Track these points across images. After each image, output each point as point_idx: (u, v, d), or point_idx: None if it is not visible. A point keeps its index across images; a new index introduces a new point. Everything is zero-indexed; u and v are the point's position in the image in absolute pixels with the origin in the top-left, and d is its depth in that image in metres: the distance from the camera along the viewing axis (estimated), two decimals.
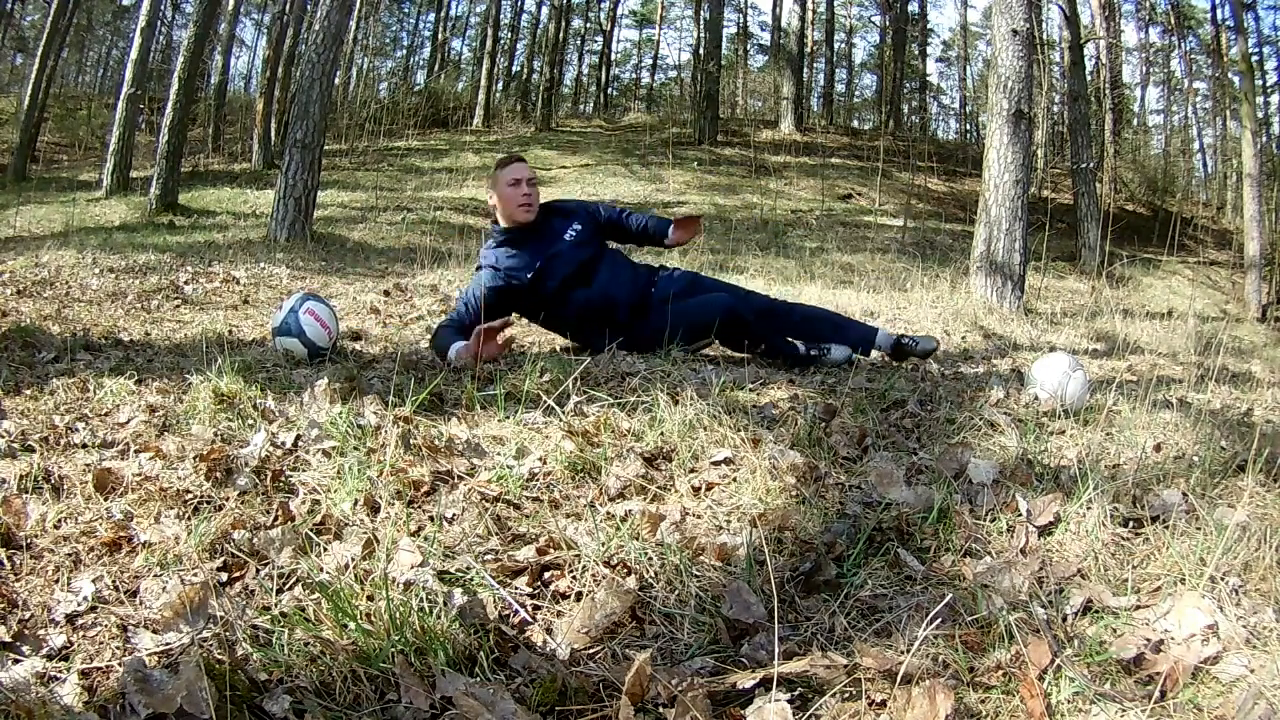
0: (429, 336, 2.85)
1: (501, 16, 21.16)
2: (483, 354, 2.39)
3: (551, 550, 1.22)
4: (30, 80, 12.90)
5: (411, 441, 1.56)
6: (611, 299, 2.77)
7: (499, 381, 2.08)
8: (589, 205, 3.05)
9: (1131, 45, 20.01)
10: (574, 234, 2.84)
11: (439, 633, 0.98)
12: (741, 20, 27.65)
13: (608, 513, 1.36)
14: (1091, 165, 10.81)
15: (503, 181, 2.79)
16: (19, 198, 10.43)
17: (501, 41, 21.80)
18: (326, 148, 8.23)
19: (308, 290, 2.70)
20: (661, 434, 1.69)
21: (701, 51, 17.47)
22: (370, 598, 1.03)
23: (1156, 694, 0.93)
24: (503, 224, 2.85)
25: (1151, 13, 19.75)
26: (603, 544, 1.22)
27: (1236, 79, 13.03)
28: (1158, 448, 1.84)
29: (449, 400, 1.99)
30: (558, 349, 2.95)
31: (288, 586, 1.12)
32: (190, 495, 1.34)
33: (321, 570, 1.13)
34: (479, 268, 2.84)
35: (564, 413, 1.75)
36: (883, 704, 0.91)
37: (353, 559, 1.15)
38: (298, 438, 1.58)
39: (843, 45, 26.30)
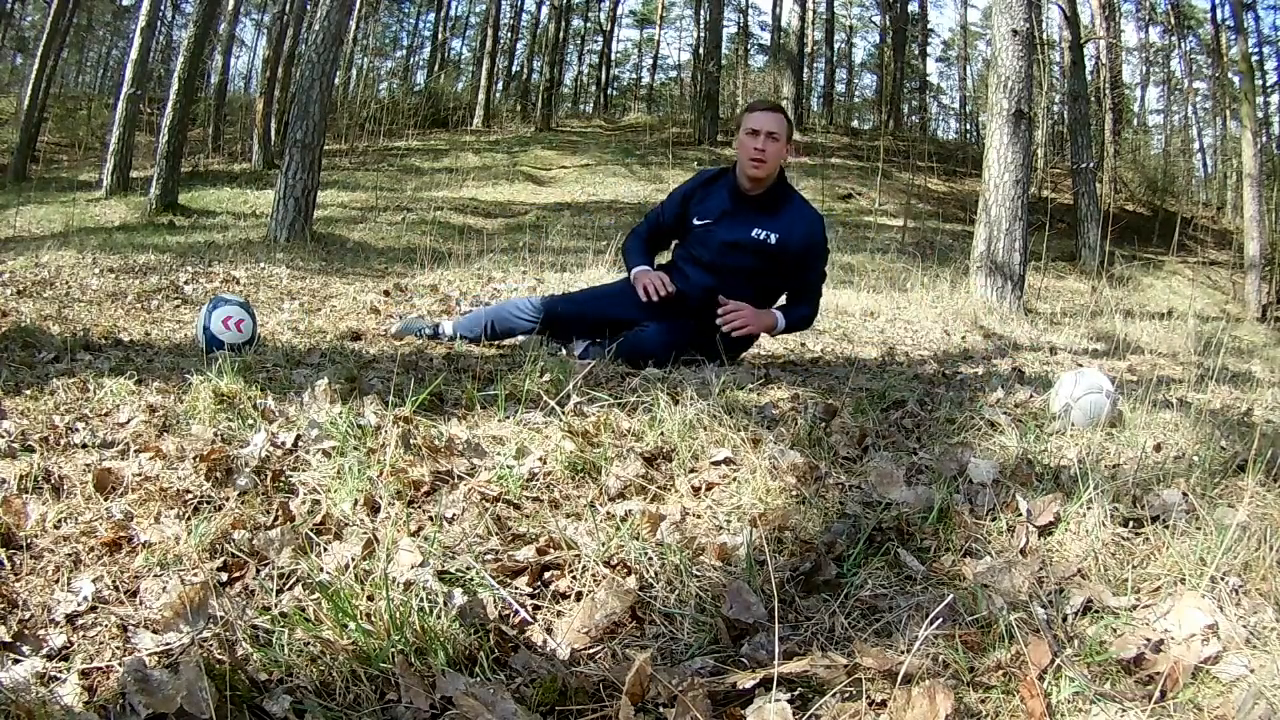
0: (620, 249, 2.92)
1: (501, 16, 21.19)
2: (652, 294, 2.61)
3: (551, 550, 1.22)
4: (30, 80, 12.92)
5: (411, 441, 1.56)
6: (686, 294, 2.68)
7: (499, 381, 2.08)
8: (813, 248, 2.74)
9: (1131, 45, 20.02)
10: (761, 238, 2.65)
11: (439, 633, 0.98)
12: (741, 20, 27.67)
13: (608, 513, 1.36)
14: (1091, 165, 10.82)
15: (742, 127, 2.66)
16: (19, 198, 10.44)
17: (501, 41, 21.81)
18: (326, 148, 8.24)
19: (215, 294, 2.82)
20: (661, 434, 1.69)
21: (701, 51, 17.49)
22: (370, 598, 1.03)
23: (1156, 694, 0.93)
24: (736, 175, 2.70)
25: (1151, 13, 19.77)
26: (603, 544, 1.22)
27: (1236, 79, 13.04)
28: (1158, 448, 1.83)
29: (449, 400, 1.99)
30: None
31: (288, 586, 1.12)
32: (190, 495, 1.34)
33: (321, 570, 1.13)
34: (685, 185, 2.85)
35: (564, 413, 1.75)
36: (883, 704, 0.91)
37: (353, 559, 1.15)
38: (298, 438, 1.58)
39: (843, 45, 26.34)
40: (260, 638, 0.99)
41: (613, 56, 25.92)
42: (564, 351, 2.82)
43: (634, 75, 28.88)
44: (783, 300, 2.86)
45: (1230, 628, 1.05)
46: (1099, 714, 0.92)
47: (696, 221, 2.72)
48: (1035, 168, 12.27)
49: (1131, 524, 1.35)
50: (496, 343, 2.98)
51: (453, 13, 24.80)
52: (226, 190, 11.31)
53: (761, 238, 2.65)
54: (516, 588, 1.15)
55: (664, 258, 2.96)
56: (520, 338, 2.97)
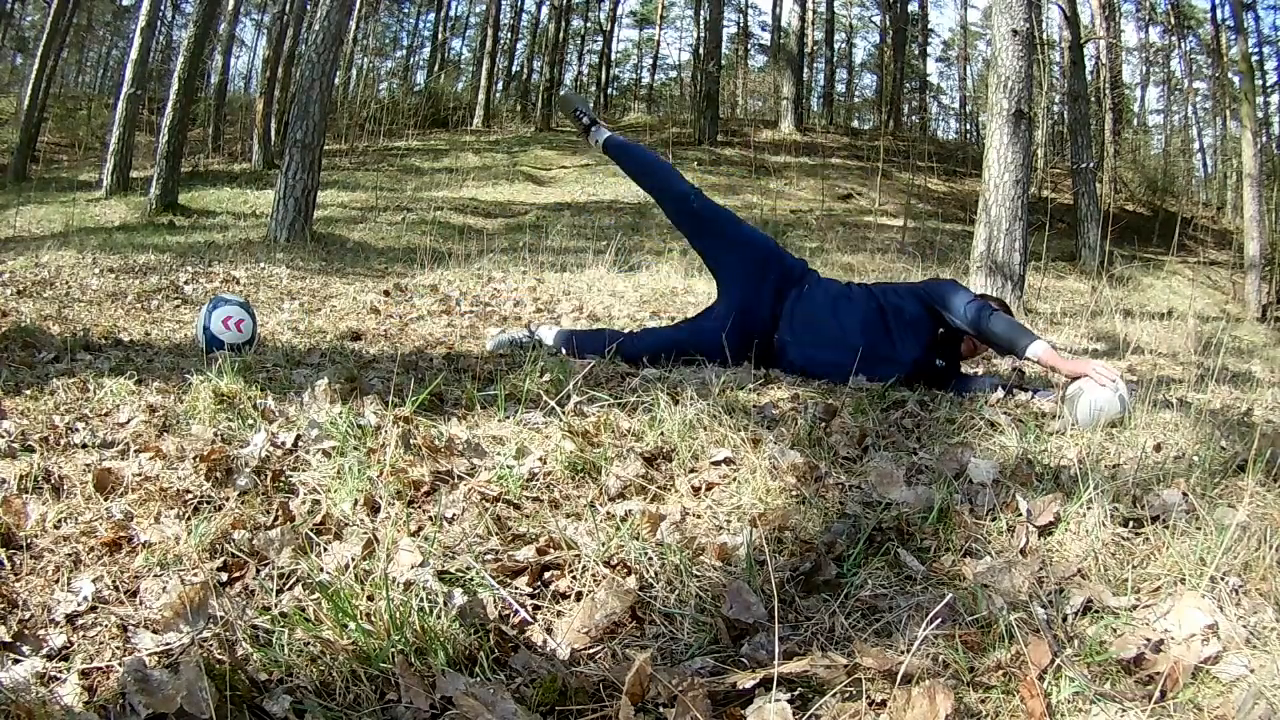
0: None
1: (501, 16, 21.17)
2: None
3: (551, 550, 1.22)
4: (30, 80, 12.91)
5: (411, 441, 1.56)
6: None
7: (499, 381, 2.08)
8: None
9: (1131, 45, 20.01)
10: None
11: (439, 633, 0.98)
12: (741, 20, 27.66)
13: (608, 513, 1.36)
14: (1091, 165, 10.82)
15: None
16: (19, 198, 10.44)
17: (501, 41, 21.81)
18: (326, 148, 8.23)
19: (215, 294, 2.89)
20: (661, 434, 1.69)
21: (701, 51, 17.49)
22: (370, 598, 1.03)
23: (1156, 694, 0.93)
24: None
25: (1151, 13, 19.76)
26: (603, 544, 1.22)
27: (1236, 79, 13.03)
28: (1158, 448, 1.84)
29: (449, 400, 1.99)
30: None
31: (288, 586, 1.12)
32: (190, 495, 1.34)
33: (321, 570, 1.13)
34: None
35: (564, 413, 1.75)
36: (883, 704, 0.91)
37: (353, 559, 1.15)
38: (298, 438, 1.58)
39: (843, 45, 26.32)
40: (260, 638, 0.99)
41: (613, 56, 25.91)
42: (530, 336, 2.82)
43: (634, 75, 28.87)
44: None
45: (1230, 628, 1.05)
46: (1099, 714, 0.92)
47: None
48: (1035, 168, 12.27)
49: (1131, 524, 1.35)
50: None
51: (453, 13, 24.80)
52: (226, 190, 11.30)
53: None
54: (516, 588, 1.15)
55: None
56: (489, 342, 2.95)
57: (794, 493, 1.46)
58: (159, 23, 15.51)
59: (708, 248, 2.86)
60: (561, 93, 3.02)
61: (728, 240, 2.79)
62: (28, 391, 1.87)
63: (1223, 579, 1.15)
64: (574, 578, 1.17)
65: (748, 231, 2.87)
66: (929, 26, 24.53)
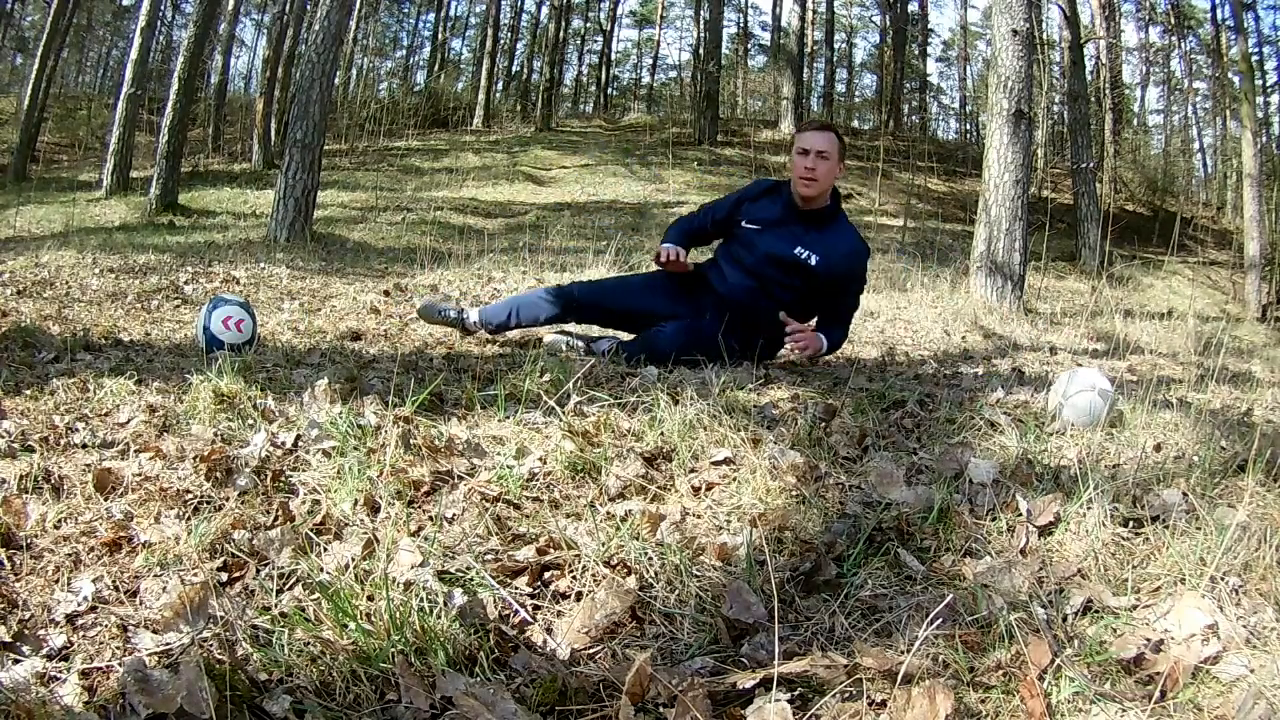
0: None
1: (501, 16, 21.18)
2: (668, 267, 2.71)
3: (551, 550, 1.22)
4: (30, 80, 12.91)
5: (411, 441, 1.56)
6: (723, 294, 2.71)
7: (499, 381, 2.08)
8: (851, 275, 2.80)
9: (1131, 45, 20.00)
10: (804, 258, 2.66)
11: (439, 633, 0.98)
12: (741, 20, 27.68)
13: (608, 513, 1.36)
14: (1091, 165, 10.82)
15: (794, 146, 2.70)
16: (19, 198, 10.44)
17: (501, 41, 21.81)
18: (326, 148, 8.23)
19: (215, 294, 2.95)
20: (661, 434, 1.69)
21: (701, 51, 17.49)
22: (370, 598, 1.03)
23: (1156, 694, 0.93)
24: (791, 189, 2.71)
25: (1151, 13, 19.75)
26: (603, 544, 1.22)
27: (1236, 79, 13.03)
28: (1158, 448, 1.84)
29: (449, 400, 1.99)
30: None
31: (288, 586, 1.12)
32: (190, 495, 1.34)
33: (321, 570, 1.13)
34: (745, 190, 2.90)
35: (564, 413, 1.75)
36: (883, 704, 0.91)
37: (353, 559, 1.15)
38: (298, 438, 1.58)
39: (843, 45, 26.33)
40: (260, 638, 0.99)
41: (613, 56, 25.94)
42: (586, 346, 2.80)
43: (634, 75, 28.88)
44: (813, 321, 2.87)
45: (1230, 628, 1.05)
46: (1099, 714, 0.92)
47: (744, 224, 2.75)
48: (1035, 168, 12.26)
49: (1131, 524, 1.35)
50: (521, 331, 2.98)
51: (453, 13, 24.81)
52: (226, 190, 11.30)
53: (803, 257, 2.67)
54: (516, 588, 1.15)
55: (703, 256, 3.01)
56: (546, 336, 2.94)
57: (794, 493, 1.46)
58: (159, 23, 15.51)
59: (628, 319, 2.88)
60: (419, 307, 3.09)
61: (626, 301, 2.86)
62: (28, 391, 1.87)
63: (1223, 579, 1.15)
64: (574, 578, 1.17)
65: (630, 281, 3.07)
66: (929, 26, 24.54)
